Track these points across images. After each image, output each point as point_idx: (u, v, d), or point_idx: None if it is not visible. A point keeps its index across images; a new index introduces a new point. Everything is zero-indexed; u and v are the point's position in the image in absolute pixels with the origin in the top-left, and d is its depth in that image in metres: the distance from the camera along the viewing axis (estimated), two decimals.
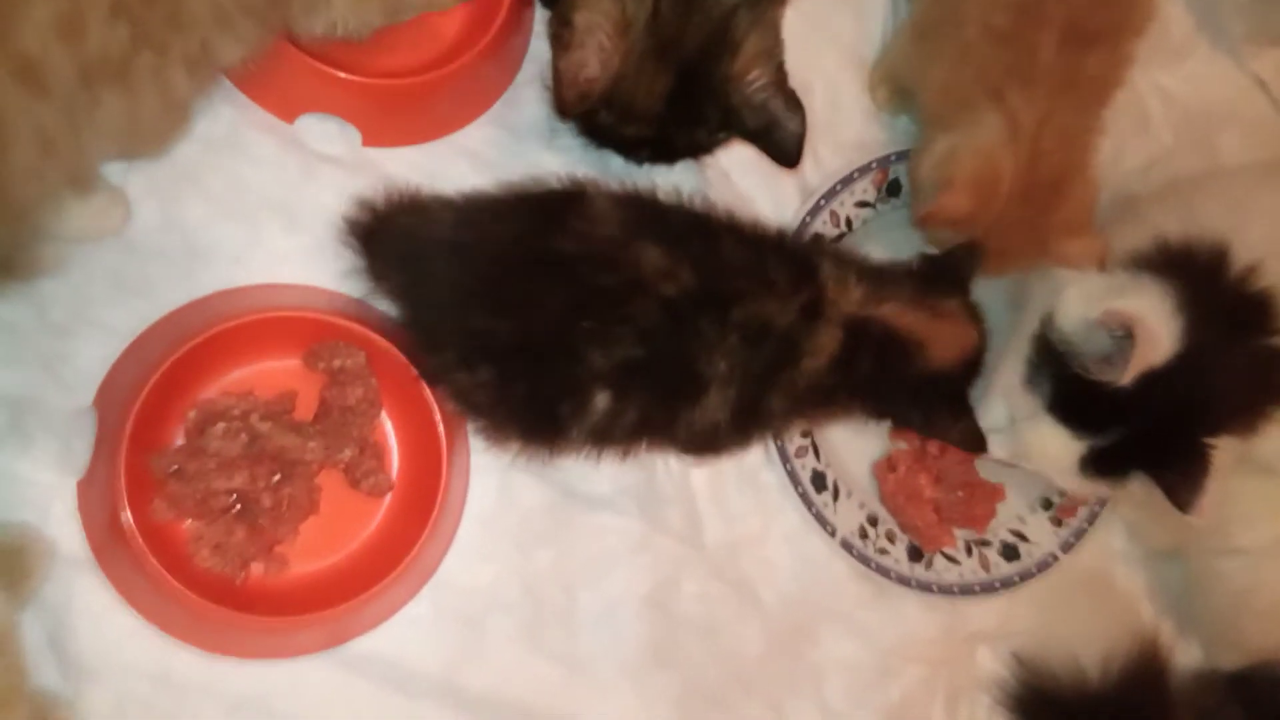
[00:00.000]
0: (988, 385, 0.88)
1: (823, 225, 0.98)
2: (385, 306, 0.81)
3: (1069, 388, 0.82)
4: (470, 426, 0.83)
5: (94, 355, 0.79)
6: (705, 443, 0.83)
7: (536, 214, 0.78)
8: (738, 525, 0.95)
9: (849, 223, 0.99)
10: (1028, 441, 0.85)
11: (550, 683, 0.87)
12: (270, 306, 0.80)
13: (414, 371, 0.79)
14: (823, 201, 0.98)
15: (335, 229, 0.81)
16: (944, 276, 0.86)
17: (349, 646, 0.83)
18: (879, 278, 0.84)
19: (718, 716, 0.91)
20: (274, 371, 0.82)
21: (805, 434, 0.95)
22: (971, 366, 0.86)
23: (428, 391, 0.80)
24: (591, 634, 0.89)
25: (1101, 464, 0.84)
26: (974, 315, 0.87)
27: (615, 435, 0.79)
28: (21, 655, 0.64)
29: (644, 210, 0.79)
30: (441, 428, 0.80)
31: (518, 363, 0.76)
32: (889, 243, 0.99)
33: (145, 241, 0.81)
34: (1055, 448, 0.84)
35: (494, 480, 0.88)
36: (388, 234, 0.78)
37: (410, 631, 0.84)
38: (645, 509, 0.91)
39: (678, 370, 0.77)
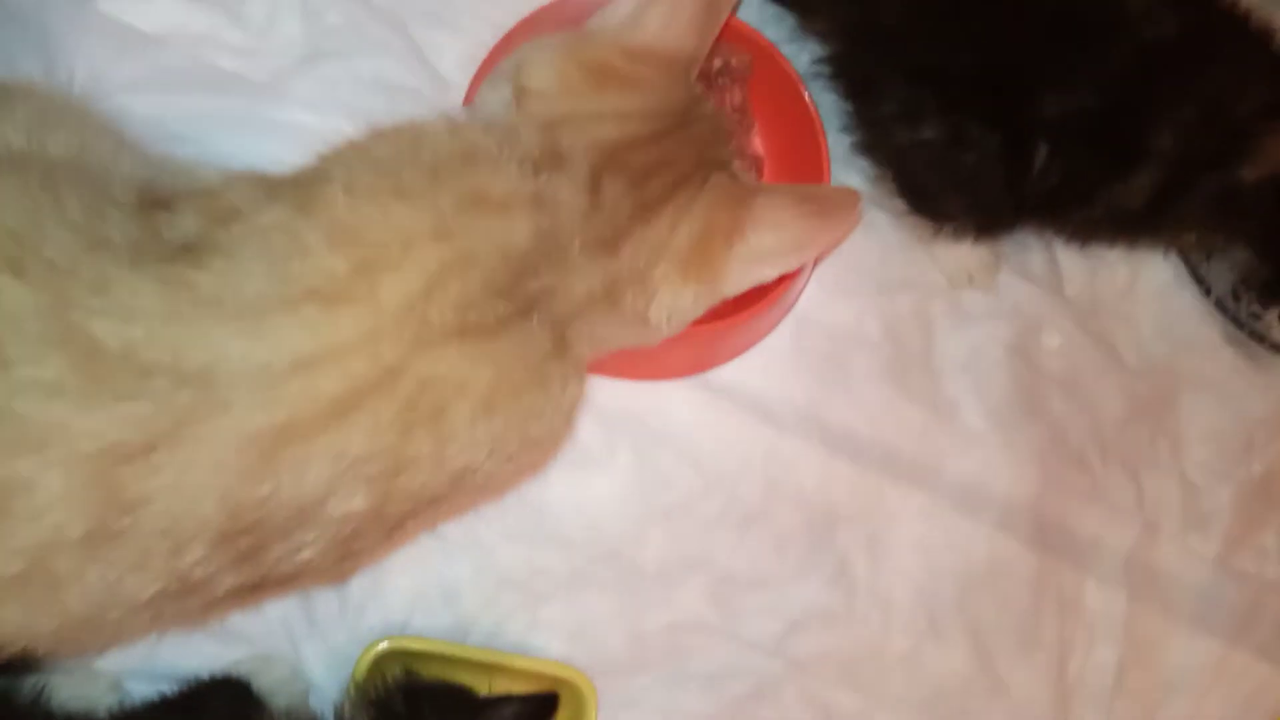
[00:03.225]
0: None
1: None
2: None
3: None
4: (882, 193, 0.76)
5: (463, 48, 0.74)
6: (1113, 226, 0.75)
7: None
8: (1102, 275, 0.87)
9: None
10: None
11: (914, 425, 0.82)
12: None
13: (801, 91, 0.71)
14: None
15: None
16: None
17: (714, 374, 0.78)
18: None
19: (1077, 478, 0.85)
20: None
21: None
22: None
23: (813, 108, 0.73)
24: (955, 379, 0.83)
25: None
26: None
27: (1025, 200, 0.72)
28: None
29: None
30: (825, 147, 0.73)
31: (969, 110, 0.67)
32: None
33: None
34: None
35: None
36: None
37: (773, 364, 0.80)
38: (1003, 251, 0.84)
39: (1126, 130, 0.67)
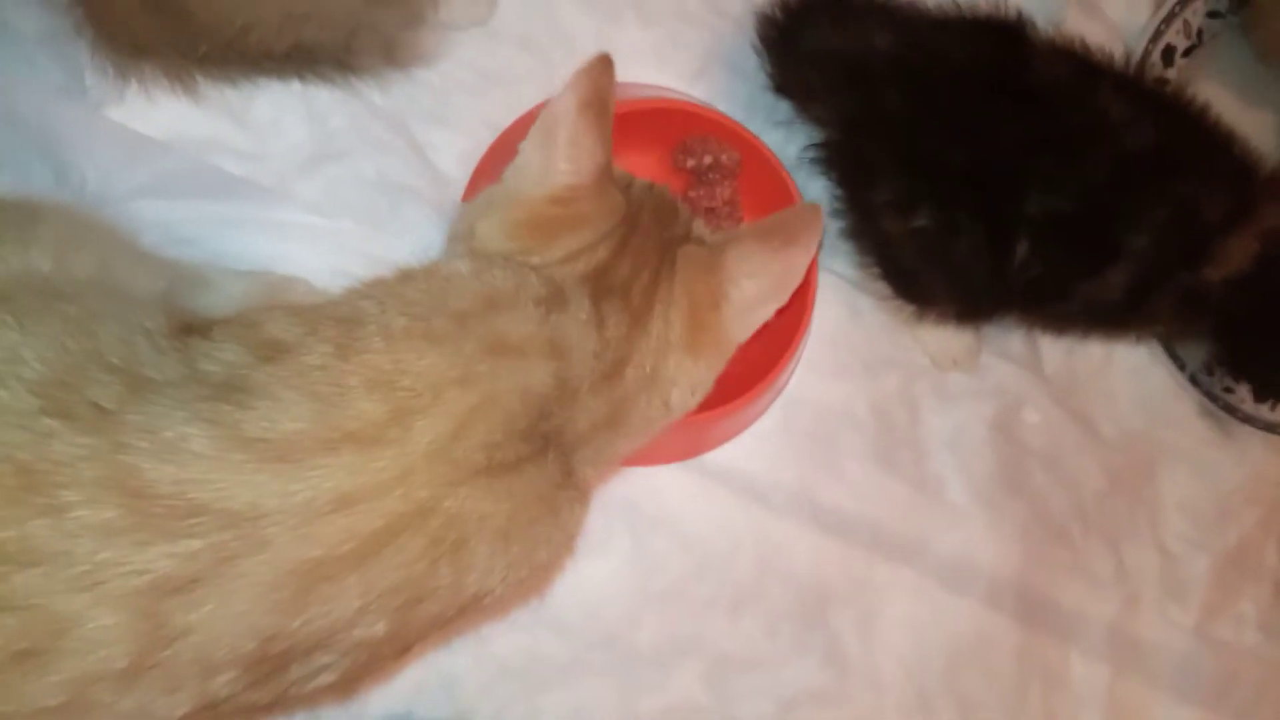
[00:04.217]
0: None
1: (1175, 36, 0.91)
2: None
3: None
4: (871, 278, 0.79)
5: (462, 146, 0.76)
6: (1088, 319, 0.78)
7: (994, 40, 0.71)
8: (1078, 354, 0.90)
9: (1200, 34, 0.92)
10: None
11: (901, 503, 0.84)
12: (635, 99, 0.76)
13: (789, 185, 0.74)
14: (1177, 8, 0.90)
15: (690, 23, 0.76)
16: None
17: (707, 458, 0.80)
18: None
19: (1059, 552, 0.87)
20: (631, 169, 0.78)
21: None
22: None
23: (800, 200, 0.75)
24: (940, 457, 0.85)
25: None
26: None
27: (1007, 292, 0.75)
28: None
29: (1088, 59, 0.73)
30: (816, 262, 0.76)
31: (959, 202, 0.70)
32: (1237, 59, 0.92)
33: (506, 32, 0.78)
34: None
35: (842, 300, 0.84)
36: (813, 45, 0.73)
37: (764, 446, 0.82)
38: (985, 333, 0.86)
39: (1103, 230, 0.71)
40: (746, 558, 0.80)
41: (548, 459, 0.51)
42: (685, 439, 0.79)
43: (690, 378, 0.58)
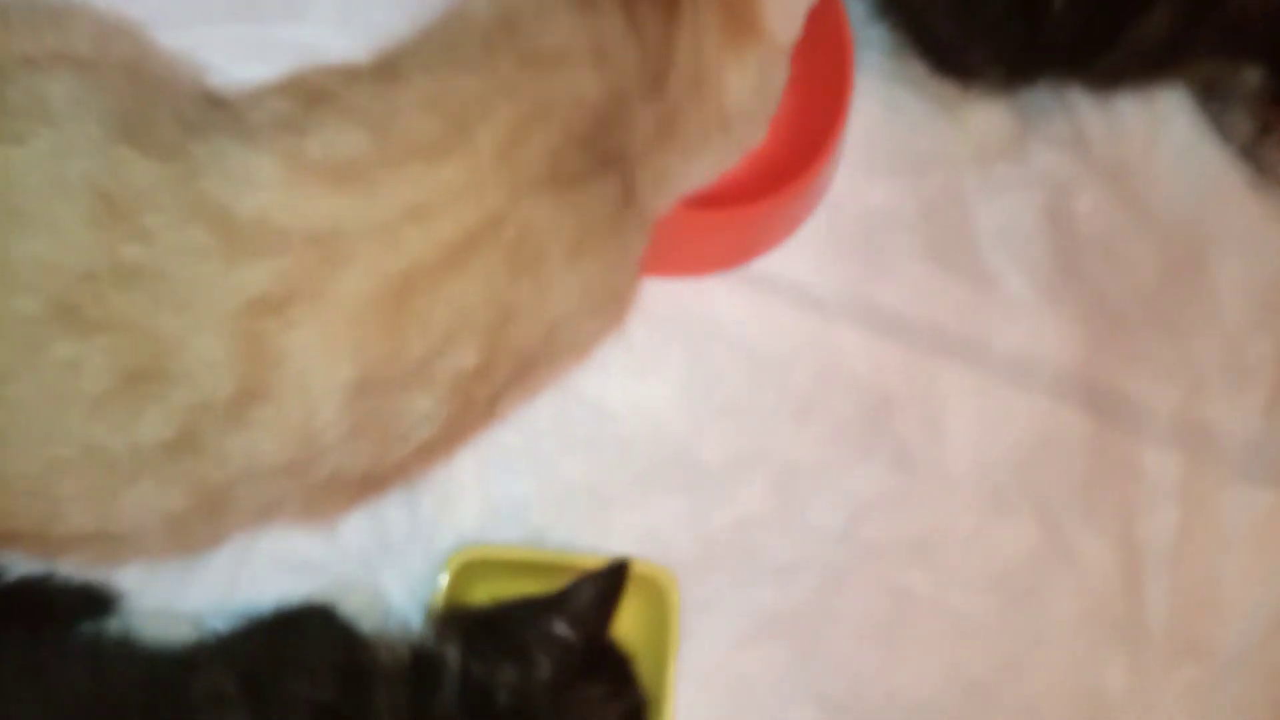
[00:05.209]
0: None
1: None
2: None
3: None
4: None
5: None
6: (1136, 66, 0.75)
7: None
8: (1124, 135, 0.87)
9: None
10: None
11: (959, 301, 0.81)
12: None
13: None
14: None
15: None
16: None
17: (754, 267, 0.78)
18: None
19: (1121, 340, 0.85)
20: None
21: None
22: None
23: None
24: (993, 251, 0.83)
25: None
26: None
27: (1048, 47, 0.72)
28: None
29: None
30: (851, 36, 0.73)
31: None
32: None
33: None
34: None
35: (878, 96, 0.81)
36: None
37: (811, 251, 0.79)
38: (1025, 114, 0.83)
39: None
40: (805, 365, 0.78)
41: (609, 177, 0.51)
42: (729, 241, 0.76)
43: (739, 77, 0.56)
